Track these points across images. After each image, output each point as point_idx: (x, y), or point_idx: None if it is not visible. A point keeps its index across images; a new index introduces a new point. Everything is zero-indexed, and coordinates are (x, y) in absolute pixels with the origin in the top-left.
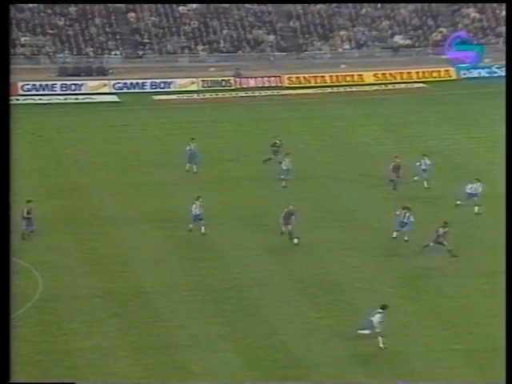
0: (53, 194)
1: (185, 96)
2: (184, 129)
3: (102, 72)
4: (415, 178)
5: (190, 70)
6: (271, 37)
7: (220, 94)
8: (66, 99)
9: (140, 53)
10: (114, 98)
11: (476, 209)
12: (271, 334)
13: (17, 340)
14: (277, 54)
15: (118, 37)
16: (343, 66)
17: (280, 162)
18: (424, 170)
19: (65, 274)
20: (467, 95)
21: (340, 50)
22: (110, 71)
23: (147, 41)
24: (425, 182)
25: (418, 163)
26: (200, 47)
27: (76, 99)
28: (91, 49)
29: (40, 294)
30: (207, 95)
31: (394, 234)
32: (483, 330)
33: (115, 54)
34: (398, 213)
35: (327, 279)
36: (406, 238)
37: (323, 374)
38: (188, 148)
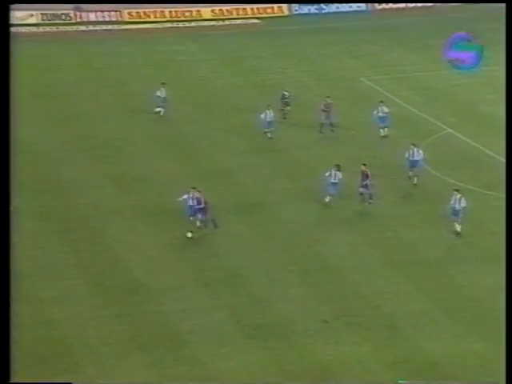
0: None
1: (23, 29)
2: (25, 62)
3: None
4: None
5: (29, 3)
6: None
7: (61, 28)
8: None
9: None
10: None
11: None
12: (117, 262)
13: None
14: None
15: None
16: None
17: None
18: (381, 118)
19: None
20: (298, 31)
21: None
22: None
23: None
24: (381, 130)
25: (374, 111)
26: None
27: None
28: None
29: None
30: (47, 29)
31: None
32: (316, 251)
33: None
34: (327, 174)
35: (170, 208)
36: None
37: (168, 298)
38: (159, 94)
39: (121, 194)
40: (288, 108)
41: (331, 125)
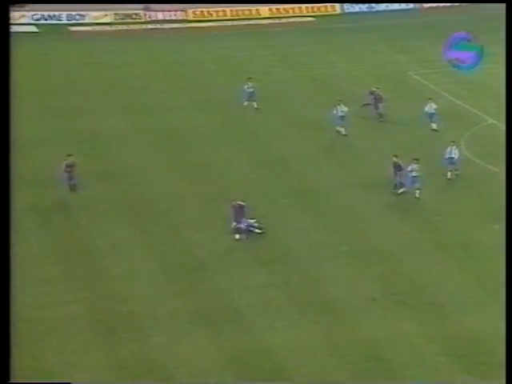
0: None
1: (98, 28)
2: (99, 58)
3: (20, 4)
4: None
5: (104, 4)
6: None
7: (131, 26)
8: None
9: None
10: (33, 29)
11: None
12: (181, 242)
13: None
14: None
15: None
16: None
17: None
18: (430, 114)
19: None
20: (350, 28)
21: None
22: (29, 3)
23: None
24: (432, 124)
25: (425, 108)
26: None
27: None
28: None
29: None
30: (119, 27)
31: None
32: (365, 234)
33: None
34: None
35: (230, 193)
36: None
37: (227, 276)
38: (246, 86)
39: (185, 180)
40: (380, 105)
41: (380, 115)
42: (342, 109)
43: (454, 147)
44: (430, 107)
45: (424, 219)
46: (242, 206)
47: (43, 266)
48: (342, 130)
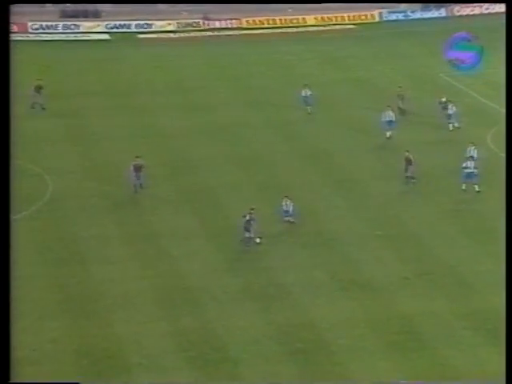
0: (56, 114)
1: (163, 35)
2: (163, 62)
3: (96, 15)
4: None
5: (167, 14)
6: None
7: (192, 34)
8: (66, 37)
9: None
10: (106, 37)
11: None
12: (236, 226)
13: (31, 230)
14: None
15: None
16: (290, 10)
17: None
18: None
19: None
20: (388, 34)
21: None
22: (103, 14)
23: None
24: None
25: (448, 109)
26: None
27: (75, 37)
28: None
29: (50, 194)
30: (181, 35)
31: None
32: (399, 219)
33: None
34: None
35: (278, 183)
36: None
37: (274, 256)
38: (304, 94)
39: (238, 170)
40: (450, 112)
41: (403, 111)
42: (389, 114)
43: (473, 147)
44: (450, 108)
45: (452, 207)
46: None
47: (113, 247)
48: (388, 133)
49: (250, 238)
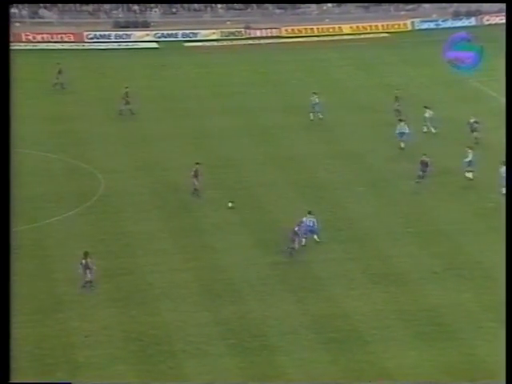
0: (113, 117)
1: (208, 43)
2: (208, 68)
3: (145, 25)
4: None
5: (212, 23)
6: None
7: (234, 42)
8: (119, 46)
9: (174, 10)
10: (155, 45)
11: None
12: (273, 222)
13: (85, 224)
14: (277, 11)
15: None
16: (327, 20)
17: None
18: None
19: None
20: (419, 43)
21: (324, 7)
22: (152, 24)
23: None
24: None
25: (471, 120)
26: (219, 5)
27: (126, 46)
28: (137, 7)
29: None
30: (224, 43)
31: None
32: (429, 217)
33: (155, 11)
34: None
35: (314, 182)
36: None
37: (311, 251)
38: (313, 102)
39: (276, 169)
40: (475, 134)
41: (399, 112)
42: (404, 126)
43: (470, 151)
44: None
45: (479, 205)
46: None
47: (160, 241)
48: (402, 144)
49: (293, 248)
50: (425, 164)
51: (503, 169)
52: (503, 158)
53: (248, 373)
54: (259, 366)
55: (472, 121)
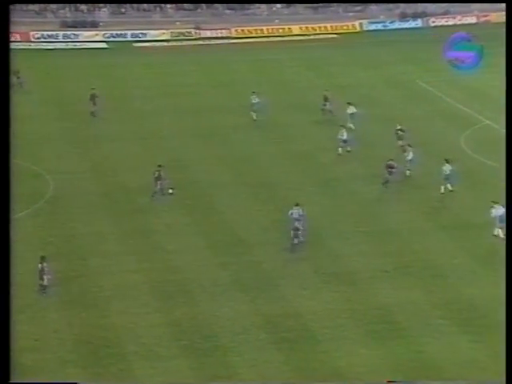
0: (56, 118)
1: (157, 44)
2: (158, 68)
3: (94, 25)
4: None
5: (161, 24)
6: None
7: (184, 43)
8: (66, 46)
9: (123, 10)
10: (104, 45)
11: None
12: (223, 222)
13: (36, 226)
14: (227, 11)
15: None
16: (276, 20)
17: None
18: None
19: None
20: (368, 43)
21: (274, 8)
22: (101, 24)
23: None
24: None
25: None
26: (169, 6)
27: (74, 46)
28: (85, 6)
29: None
30: (174, 43)
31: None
32: (379, 216)
33: (104, 11)
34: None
35: (267, 182)
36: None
37: (261, 251)
38: (253, 101)
39: (228, 170)
40: (400, 142)
41: (330, 112)
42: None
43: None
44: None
45: (428, 204)
46: None
47: (110, 243)
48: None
49: (296, 244)
50: (390, 167)
51: (446, 166)
52: (447, 156)
53: (200, 374)
54: (211, 366)
55: (398, 128)
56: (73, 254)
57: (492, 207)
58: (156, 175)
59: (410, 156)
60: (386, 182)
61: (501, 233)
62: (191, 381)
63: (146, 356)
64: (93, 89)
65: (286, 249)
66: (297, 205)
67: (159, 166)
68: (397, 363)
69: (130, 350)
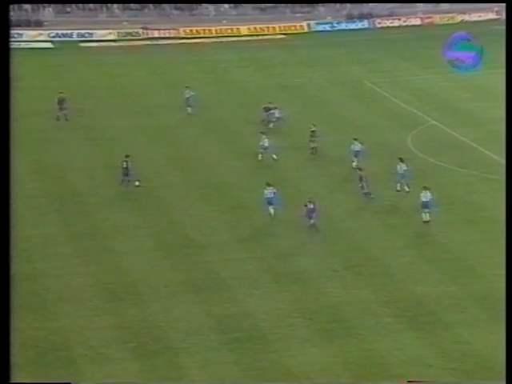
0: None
1: (104, 44)
2: (105, 68)
3: (38, 24)
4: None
5: (108, 23)
6: None
7: (132, 43)
8: (10, 45)
9: (68, 9)
10: (49, 45)
11: None
12: (174, 223)
13: None
14: (174, 11)
15: None
16: (224, 21)
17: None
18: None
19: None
20: (315, 44)
21: (222, 9)
22: (45, 23)
23: None
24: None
25: (397, 167)
26: (115, 5)
27: (18, 45)
28: (29, 5)
29: None
30: (122, 43)
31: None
32: (328, 216)
33: (48, 10)
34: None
35: (216, 182)
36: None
37: (212, 251)
38: (186, 96)
39: (177, 170)
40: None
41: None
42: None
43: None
44: (400, 167)
45: (377, 203)
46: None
47: (58, 245)
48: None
49: (312, 225)
50: (360, 176)
51: (400, 165)
52: (396, 156)
53: (150, 376)
54: (161, 368)
55: (311, 130)
56: (19, 256)
57: (421, 192)
58: (124, 165)
59: (358, 148)
60: (367, 194)
61: (427, 217)
62: (141, 382)
63: (95, 359)
64: (61, 93)
65: (236, 249)
66: (268, 184)
67: (126, 156)
68: (346, 361)
69: (79, 353)
